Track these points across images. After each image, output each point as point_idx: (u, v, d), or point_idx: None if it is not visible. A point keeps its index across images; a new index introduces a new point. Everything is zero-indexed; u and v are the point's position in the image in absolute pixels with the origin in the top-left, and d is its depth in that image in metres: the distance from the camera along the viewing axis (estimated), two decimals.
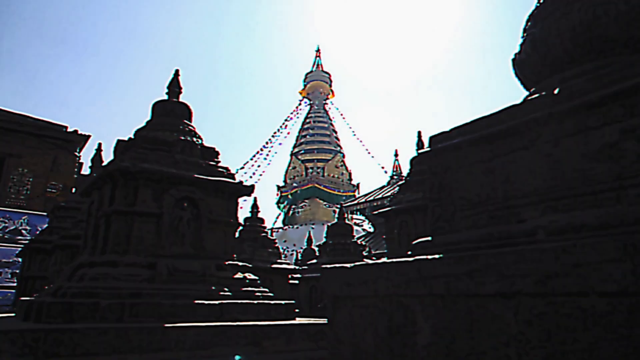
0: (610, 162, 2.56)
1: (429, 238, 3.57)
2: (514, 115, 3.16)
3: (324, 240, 14.10)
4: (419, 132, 9.83)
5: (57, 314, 4.09)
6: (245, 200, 12.33)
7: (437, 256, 2.68)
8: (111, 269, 4.87)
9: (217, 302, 4.97)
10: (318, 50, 56.72)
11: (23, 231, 22.94)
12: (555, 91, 3.00)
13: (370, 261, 3.32)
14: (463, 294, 2.49)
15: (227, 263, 5.72)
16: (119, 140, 6.01)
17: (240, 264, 5.89)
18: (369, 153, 55.28)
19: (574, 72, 3.32)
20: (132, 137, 5.90)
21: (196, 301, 4.83)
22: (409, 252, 3.67)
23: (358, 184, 49.93)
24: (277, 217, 50.66)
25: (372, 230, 34.50)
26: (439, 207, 3.61)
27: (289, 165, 50.95)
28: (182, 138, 6.01)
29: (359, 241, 14.23)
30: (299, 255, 21.38)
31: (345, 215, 14.18)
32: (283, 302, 5.57)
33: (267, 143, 50.31)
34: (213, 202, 5.86)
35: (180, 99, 6.75)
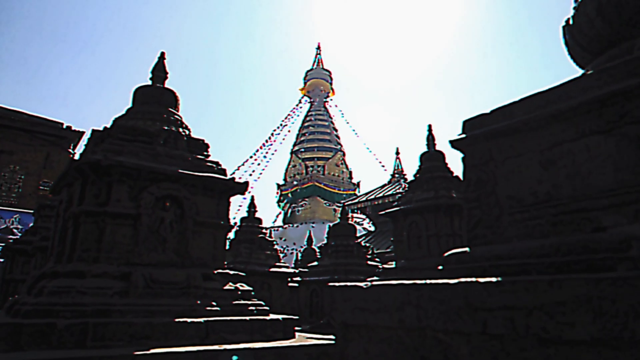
0: None
1: (466, 249, 2.80)
2: (586, 88, 2.37)
3: (325, 240, 13.34)
4: (430, 126, 9.04)
5: (1, 339, 3.32)
6: (244, 199, 11.52)
7: (493, 279, 1.91)
8: (77, 281, 4.10)
9: (202, 319, 4.20)
10: (319, 48, 56.24)
11: (14, 230, 22.18)
12: None
13: (394, 281, 2.52)
14: (537, 337, 1.72)
15: (216, 272, 4.95)
16: (93, 131, 5.23)
17: (231, 272, 5.11)
18: (369, 151, 54.62)
19: None
20: (108, 126, 5.12)
21: (178, 319, 4.06)
22: (441, 267, 2.90)
23: (358, 183, 49.53)
24: (277, 216, 50.11)
25: (373, 229, 33.83)
26: (477, 209, 2.83)
27: (289, 164, 50.56)
28: (166, 128, 5.23)
29: (361, 242, 13.47)
30: (299, 255, 20.64)
31: (349, 215, 13.44)
32: (281, 318, 4.80)
33: (266, 141, 49.93)
34: (200, 202, 5.09)
35: (167, 85, 5.98)
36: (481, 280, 1.95)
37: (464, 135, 2.97)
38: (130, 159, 4.67)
